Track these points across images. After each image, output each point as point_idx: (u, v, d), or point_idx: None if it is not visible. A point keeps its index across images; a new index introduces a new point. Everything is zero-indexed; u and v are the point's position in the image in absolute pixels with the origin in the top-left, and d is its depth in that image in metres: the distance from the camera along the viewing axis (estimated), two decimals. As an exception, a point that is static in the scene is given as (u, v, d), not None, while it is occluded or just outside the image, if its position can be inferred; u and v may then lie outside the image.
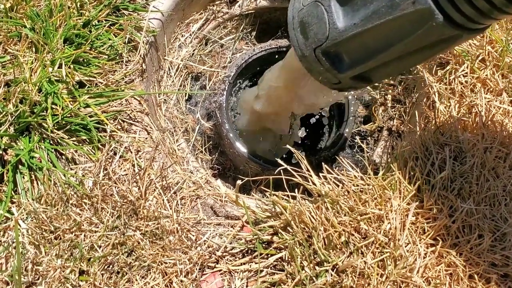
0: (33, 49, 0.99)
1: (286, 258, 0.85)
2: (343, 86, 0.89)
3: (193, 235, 0.90)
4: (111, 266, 0.83)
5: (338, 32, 0.76)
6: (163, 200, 0.92)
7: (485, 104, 1.03)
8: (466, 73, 1.10)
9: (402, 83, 1.30)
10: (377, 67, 0.79)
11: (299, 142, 1.36)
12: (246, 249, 0.90)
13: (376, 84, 1.33)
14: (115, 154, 0.96)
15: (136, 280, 0.82)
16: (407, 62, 0.79)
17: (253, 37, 1.48)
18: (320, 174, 0.91)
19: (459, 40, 0.72)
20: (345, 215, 0.86)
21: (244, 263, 0.88)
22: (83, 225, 0.85)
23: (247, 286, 0.85)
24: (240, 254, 0.89)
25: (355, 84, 0.88)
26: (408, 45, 0.72)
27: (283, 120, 1.27)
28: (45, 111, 0.93)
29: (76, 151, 0.95)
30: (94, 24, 1.07)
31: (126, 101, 1.03)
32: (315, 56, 0.83)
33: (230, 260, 0.89)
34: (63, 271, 0.80)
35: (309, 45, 0.83)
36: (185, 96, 1.37)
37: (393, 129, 1.28)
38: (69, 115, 0.95)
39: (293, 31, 0.85)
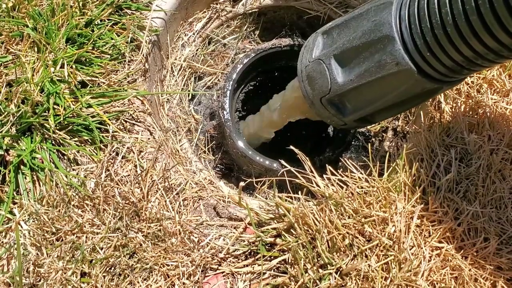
0: (35, 48, 0.98)
1: (289, 261, 0.84)
2: (349, 127, 1.03)
3: (196, 237, 0.89)
4: (113, 268, 0.82)
5: (338, 85, 0.89)
6: (165, 201, 0.91)
7: (492, 105, 1.01)
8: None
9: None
10: (375, 112, 0.92)
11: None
12: (249, 251, 0.89)
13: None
14: (117, 154, 0.95)
15: (138, 282, 0.82)
16: (402, 107, 0.92)
17: (256, 35, 1.47)
18: (324, 176, 0.90)
19: (441, 91, 0.85)
20: (349, 217, 0.85)
21: (247, 265, 0.87)
22: (84, 227, 0.85)
23: (249, 288, 0.85)
24: (243, 256, 0.89)
25: (359, 125, 1.03)
26: (398, 96, 0.85)
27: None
28: (47, 112, 0.92)
29: (78, 152, 0.94)
30: (96, 23, 1.06)
31: (128, 101, 1.02)
32: (321, 104, 0.95)
33: (233, 262, 0.88)
34: (65, 273, 0.80)
35: (316, 95, 0.95)
36: (188, 95, 1.36)
37: (398, 129, 1.27)
38: (71, 116, 0.94)
39: (302, 83, 0.97)
